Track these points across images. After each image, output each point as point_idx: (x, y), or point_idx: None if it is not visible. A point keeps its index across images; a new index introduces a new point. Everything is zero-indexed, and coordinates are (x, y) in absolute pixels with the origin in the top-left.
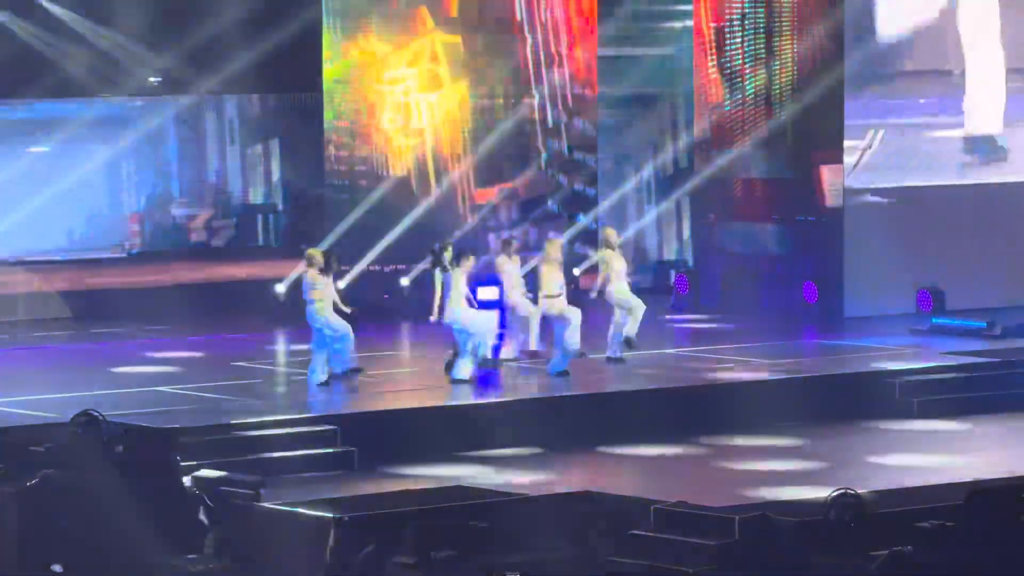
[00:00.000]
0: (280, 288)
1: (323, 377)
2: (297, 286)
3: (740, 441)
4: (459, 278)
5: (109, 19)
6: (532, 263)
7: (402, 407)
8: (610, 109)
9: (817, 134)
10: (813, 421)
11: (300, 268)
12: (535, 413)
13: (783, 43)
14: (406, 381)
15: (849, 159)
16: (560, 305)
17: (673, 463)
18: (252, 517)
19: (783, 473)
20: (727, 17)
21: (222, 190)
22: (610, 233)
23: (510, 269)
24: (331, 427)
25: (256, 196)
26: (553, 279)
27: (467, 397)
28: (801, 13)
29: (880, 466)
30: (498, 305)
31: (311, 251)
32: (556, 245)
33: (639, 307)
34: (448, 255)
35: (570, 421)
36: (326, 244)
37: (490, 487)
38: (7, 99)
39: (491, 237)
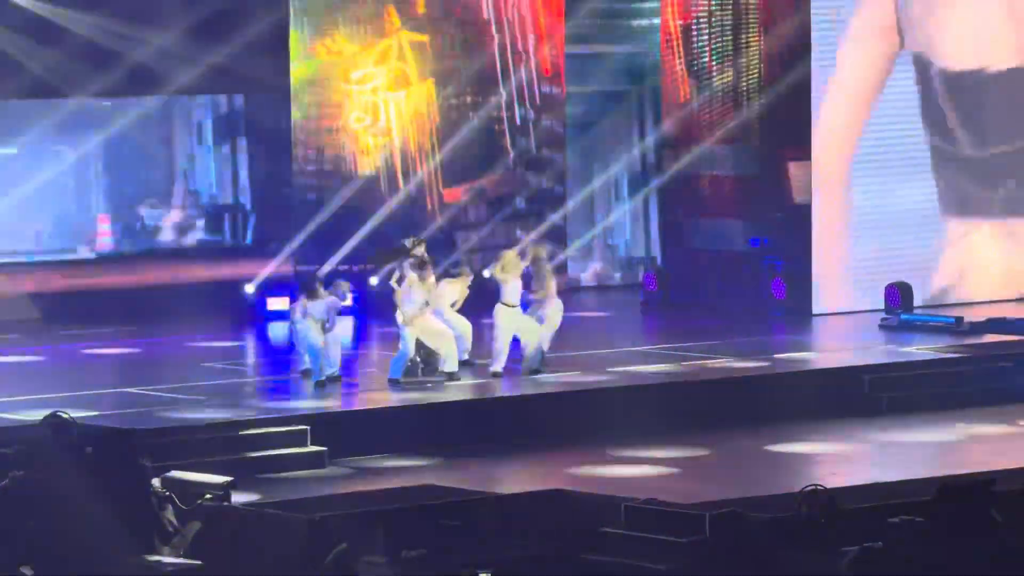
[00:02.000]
0: (250, 288)
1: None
2: (267, 285)
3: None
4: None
5: (78, 18)
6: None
7: (372, 407)
8: (578, 107)
9: (785, 131)
10: (780, 418)
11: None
12: (505, 412)
13: (750, 40)
14: (376, 381)
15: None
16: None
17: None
18: (222, 518)
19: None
20: (694, 14)
21: (190, 190)
22: (539, 250)
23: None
24: (302, 427)
25: (224, 196)
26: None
27: (439, 396)
28: (768, 10)
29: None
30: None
31: None
32: (515, 257)
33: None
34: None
35: (544, 420)
36: (295, 244)
37: (461, 486)
38: None
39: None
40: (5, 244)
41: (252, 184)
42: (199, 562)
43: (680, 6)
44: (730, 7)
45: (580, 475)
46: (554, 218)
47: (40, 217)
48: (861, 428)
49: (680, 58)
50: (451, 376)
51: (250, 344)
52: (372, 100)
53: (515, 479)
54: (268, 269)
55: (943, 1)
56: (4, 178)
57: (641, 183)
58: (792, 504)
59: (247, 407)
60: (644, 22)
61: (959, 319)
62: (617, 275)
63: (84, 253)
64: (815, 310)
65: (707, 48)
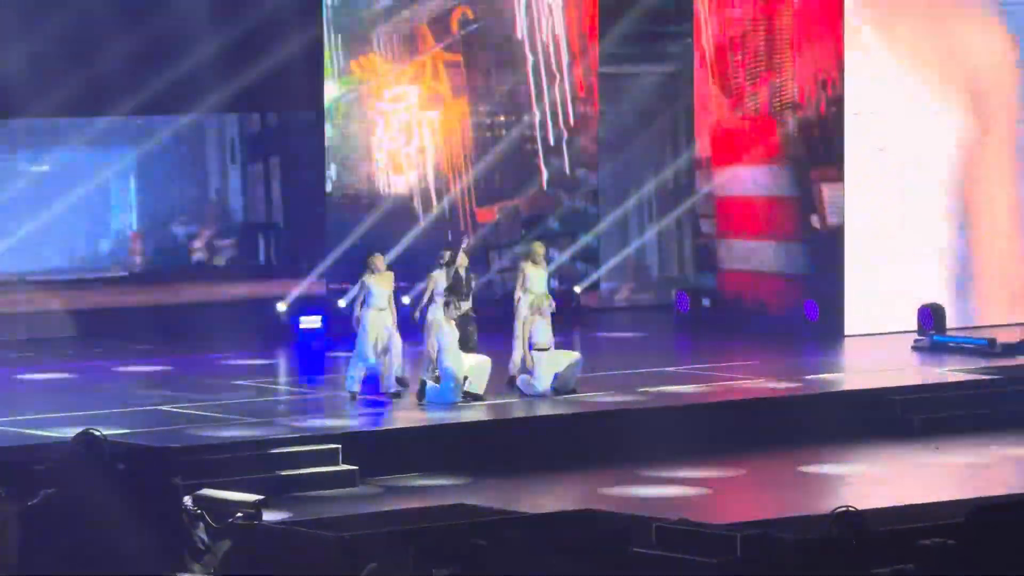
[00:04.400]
0: (281, 307)
1: (356, 388)
2: (299, 304)
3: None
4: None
5: (109, 38)
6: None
7: (403, 426)
8: (611, 126)
9: (818, 152)
10: (812, 439)
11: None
12: (536, 431)
13: (783, 60)
14: (407, 399)
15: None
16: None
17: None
18: (253, 536)
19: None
20: (727, 35)
21: (223, 208)
22: (536, 247)
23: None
24: (333, 445)
25: (257, 215)
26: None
27: (470, 416)
28: (801, 30)
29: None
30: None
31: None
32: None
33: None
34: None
35: (563, 442)
36: (327, 263)
37: (492, 505)
38: (10, 117)
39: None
40: (38, 261)
41: (284, 203)
42: None
43: (714, 27)
44: (763, 28)
45: (611, 495)
46: (587, 238)
47: (73, 235)
48: (893, 450)
49: (713, 78)
50: (476, 396)
51: (281, 361)
52: (406, 119)
53: (546, 498)
54: (300, 288)
55: None
56: (38, 195)
57: (674, 203)
58: (823, 525)
59: (279, 425)
60: (678, 43)
61: (992, 341)
62: (650, 295)
63: (117, 271)
64: (847, 331)
65: (740, 68)
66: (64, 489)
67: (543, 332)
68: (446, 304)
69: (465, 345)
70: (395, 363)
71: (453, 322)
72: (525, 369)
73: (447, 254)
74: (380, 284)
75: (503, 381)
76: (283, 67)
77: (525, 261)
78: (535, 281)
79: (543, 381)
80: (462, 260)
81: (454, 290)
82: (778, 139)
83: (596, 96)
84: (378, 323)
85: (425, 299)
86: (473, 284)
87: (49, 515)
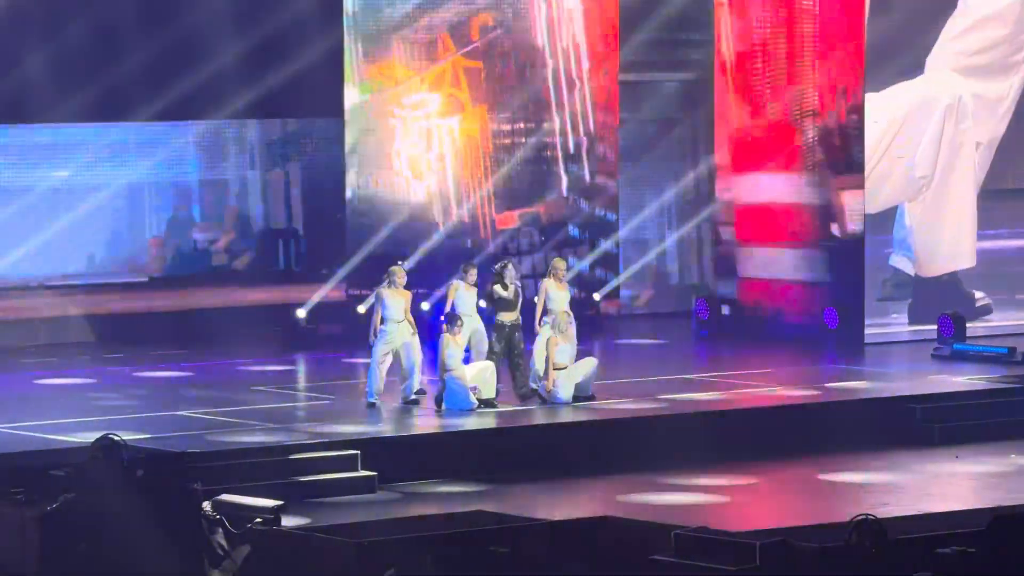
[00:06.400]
0: (301, 312)
1: (375, 399)
2: (318, 310)
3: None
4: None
5: (128, 44)
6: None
7: (423, 432)
8: (631, 134)
9: (837, 159)
10: (831, 447)
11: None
12: (555, 439)
13: (804, 68)
14: (427, 405)
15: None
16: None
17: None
18: (272, 542)
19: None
20: (748, 42)
21: (243, 214)
22: (557, 263)
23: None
24: (352, 452)
25: (277, 220)
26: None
27: (490, 423)
28: (822, 39)
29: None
30: None
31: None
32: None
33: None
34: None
35: (587, 448)
36: (347, 269)
37: (511, 512)
38: (28, 123)
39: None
40: (58, 267)
41: (304, 209)
42: None
43: (734, 35)
44: (784, 36)
45: (630, 502)
46: (607, 245)
47: (93, 240)
48: (912, 458)
49: (733, 86)
50: (490, 403)
51: (301, 368)
52: (425, 126)
53: (565, 506)
54: (320, 294)
55: None
56: (57, 201)
57: (694, 211)
58: (842, 534)
59: (298, 431)
60: (698, 50)
61: (1012, 349)
62: (669, 303)
63: (136, 276)
64: (867, 339)
65: (761, 76)
66: (83, 494)
67: (563, 352)
68: (450, 320)
69: (511, 353)
70: (415, 375)
71: (458, 338)
72: (543, 378)
73: (496, 266)
74: (395, 296)
75: (523, 392)
76: (304, 73)
77: (547, 278)
78: (556, 299)
79: (564, 392)
80: (510, 271)
81: (497, 301)
82: (798, 147)
83: (616, 103)
84: (398, 335)
85: (447, 308)
86: (520, 293)
87: (68, 520)
